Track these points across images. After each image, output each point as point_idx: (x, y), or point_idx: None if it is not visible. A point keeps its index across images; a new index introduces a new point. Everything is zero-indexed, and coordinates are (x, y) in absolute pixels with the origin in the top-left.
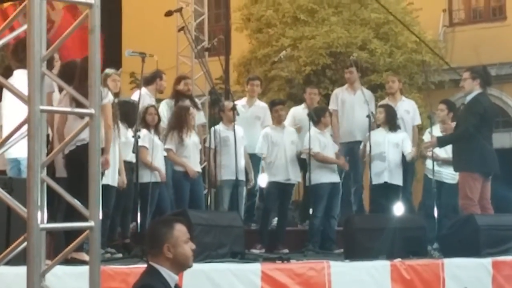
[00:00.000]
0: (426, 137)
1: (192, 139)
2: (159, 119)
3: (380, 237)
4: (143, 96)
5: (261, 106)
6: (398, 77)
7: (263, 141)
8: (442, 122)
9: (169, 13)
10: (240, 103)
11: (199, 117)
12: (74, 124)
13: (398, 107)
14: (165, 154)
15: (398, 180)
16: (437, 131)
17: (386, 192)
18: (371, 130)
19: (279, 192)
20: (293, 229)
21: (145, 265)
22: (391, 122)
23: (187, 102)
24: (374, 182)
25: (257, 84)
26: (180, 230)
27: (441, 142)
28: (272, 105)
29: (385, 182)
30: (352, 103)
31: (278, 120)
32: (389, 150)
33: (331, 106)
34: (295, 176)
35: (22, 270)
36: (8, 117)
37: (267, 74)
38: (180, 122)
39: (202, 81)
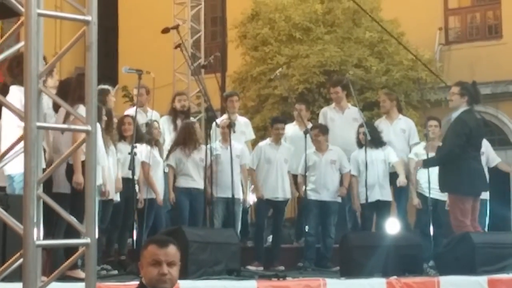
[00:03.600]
0: (412, 155)
1: (195, 156)
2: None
3: (376, 254)
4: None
5: (243, 121)
6: (391, 95)
7: (255, 156)
8: (434, 139)
9: (165, 30)
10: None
11: None
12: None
13: (393, 125)
14: (166, 170)
15: (388, 196)
16: (420, 148)
17: (378, 209)
18: (366, 148)
19: (268, 209)
20: (289, 247)
21: None
22: (375, 140)
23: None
24: (363, 201)
25: (236, 99)
26: (149, 251)
27: (426, 163)
28: (273, 122)
29: (377, 200)
30: (341, 122)
31: (276, 138)
32: (378, 167)
33: None
34: (284, 193)
35: (18, 286)
36: (6, 133)
37: (261, 92)
38: (184, 138)
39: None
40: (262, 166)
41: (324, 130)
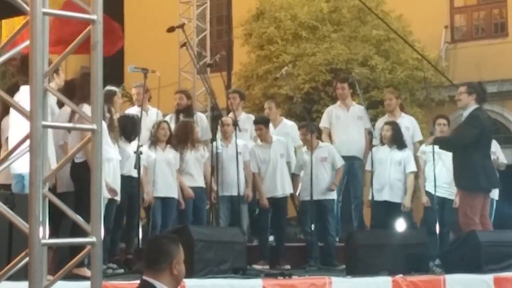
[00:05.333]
0: (420, 153)
1: (194, 154)
2: (171, 134)
3: (382, 253)
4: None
5: (247, 117)
6: (396, 93)
7: (252, 159)
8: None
9: (171, 29)
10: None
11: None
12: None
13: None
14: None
15: (399, 198)
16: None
17: (387, 209)
18: (372, 146)
19: (270, 208)
20: (295, 245)
21: None
22: (398, 140)
23: (195, 117)
24: (375, 199)
25: (234, 97)
26: (182, 249)
27: (437, 140)
28: (253, 122)
29: (386, 201)
30: (346, 119)
31: (261, 138)
32: (391, 168)
33: (322, 124)
34: (283, 189)
35: (23, 285)
36: (14, 132)
37: (267, 91)
38: (180, 137)
39: (204, 97)
40: (260, 168)
41: (311, 128)
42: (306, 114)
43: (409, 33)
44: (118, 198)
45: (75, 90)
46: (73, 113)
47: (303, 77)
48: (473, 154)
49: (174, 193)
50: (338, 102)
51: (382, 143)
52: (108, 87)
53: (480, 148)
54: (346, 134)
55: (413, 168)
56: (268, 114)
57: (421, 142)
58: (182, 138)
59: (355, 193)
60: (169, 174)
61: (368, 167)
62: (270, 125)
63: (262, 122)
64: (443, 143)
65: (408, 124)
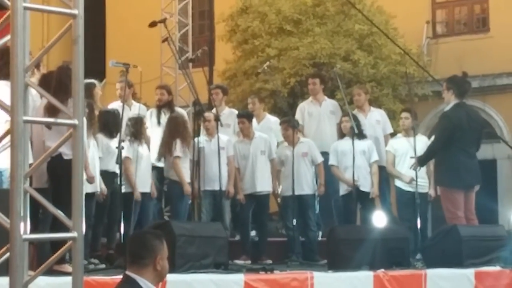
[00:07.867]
0: (389, 148)
1: (187, 150)
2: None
3: (364, 248)
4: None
5: (230, 113)
6: (365, 89)
7: (234, 154)
8: (406, 131)
9: (153, 24)
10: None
11: None
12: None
13: (368, 118)
14: (154, 164)
15: (368, 187)
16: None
17: (360, 200)
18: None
19: (252, 203)
20: (277, 240)
21: None
22: (359, 132)
23: (183, 112)
24: (345, 192)
25: (216, 92)
26: (166, 245)
27: (421, 161)
28: (237, 116)
29: (357, 189)
30: (319, 115)
31: (243, 132)
32: (356, 158)
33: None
34: (263, 185)
35: (4, 281)
36: None
37: (252, 86)
38: (183, 132)
39: (186, 92)
40: (239, 163)
41: (293, 123)
42: (289, 109)
43: (391, 27)
44: (98, 191)
45: (52, 84)
46: (49, 107)
47: (288, 71)
48: (451, 151)
49: (149, 188)
50: (310, 98)
51: (341, 137)
52: (87, 80)
53: (457, 144)
54: (319, 130)
55: (377, 157)
56: (252, 109)
57: (392, 135)
58: (184, 133)
59: (335, 188)
60: (147, 169)
61: (333, 161)
62: (254, 120)
63: (245, 116)
64: (428, 158)
65: (379, 117)
